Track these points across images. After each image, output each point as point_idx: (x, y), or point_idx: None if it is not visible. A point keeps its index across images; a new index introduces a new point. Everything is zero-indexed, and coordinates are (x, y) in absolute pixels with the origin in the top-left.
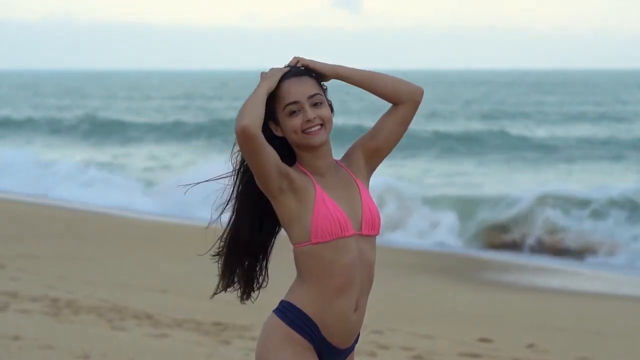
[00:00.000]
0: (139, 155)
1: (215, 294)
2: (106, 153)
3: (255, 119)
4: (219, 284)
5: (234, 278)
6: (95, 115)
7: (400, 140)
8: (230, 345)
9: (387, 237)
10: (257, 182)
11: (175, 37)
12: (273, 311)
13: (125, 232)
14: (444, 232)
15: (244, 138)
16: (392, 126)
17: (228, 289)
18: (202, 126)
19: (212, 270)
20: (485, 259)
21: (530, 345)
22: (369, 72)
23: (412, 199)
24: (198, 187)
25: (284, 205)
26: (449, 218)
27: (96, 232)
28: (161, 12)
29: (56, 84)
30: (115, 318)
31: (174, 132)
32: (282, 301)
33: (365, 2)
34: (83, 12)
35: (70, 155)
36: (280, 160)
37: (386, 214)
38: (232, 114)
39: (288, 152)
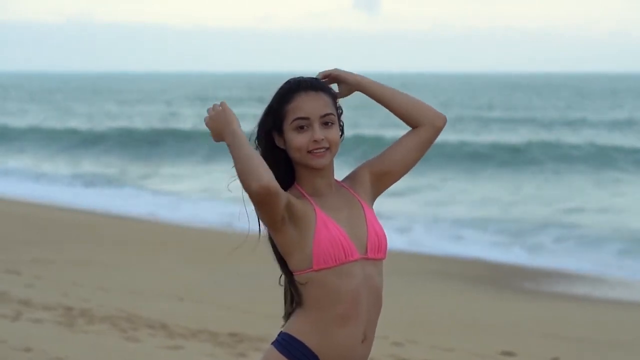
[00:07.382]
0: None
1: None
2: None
3: (270, 174)
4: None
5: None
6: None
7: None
8: (246, 358)
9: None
10: (261, 219)
11: (191, 38)
12: (272, 343)
13: (142, 237)
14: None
15: (265, 196)
16: (407, 151)
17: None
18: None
19: (229, 277)
20: (509, 266)
21: (555, 359)
22: (391, 88)
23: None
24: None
25: (285, 235)
26: None
27: (112, 236)
28: (176, 14)
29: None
30: (129, 328)
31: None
32: (281, 332)
33: (383, 3)
34: (99, 14)
35: None
36: (285, 194)
37: None
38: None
39: (287, 166)
